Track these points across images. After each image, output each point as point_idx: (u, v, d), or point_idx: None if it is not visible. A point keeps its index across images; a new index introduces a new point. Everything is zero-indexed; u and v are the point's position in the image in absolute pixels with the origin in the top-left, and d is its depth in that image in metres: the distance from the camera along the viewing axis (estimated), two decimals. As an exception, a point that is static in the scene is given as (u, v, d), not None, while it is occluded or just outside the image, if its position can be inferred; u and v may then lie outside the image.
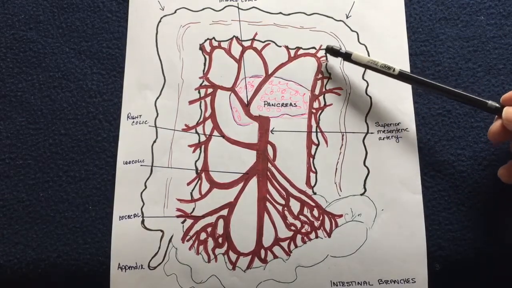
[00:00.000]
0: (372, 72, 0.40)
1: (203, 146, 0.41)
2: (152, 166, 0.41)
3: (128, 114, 0.42)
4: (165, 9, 0.45)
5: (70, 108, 0.43)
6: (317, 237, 0.39)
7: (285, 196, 0.40)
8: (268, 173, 0.41)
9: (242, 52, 0.43)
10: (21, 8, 0.45)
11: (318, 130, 0.41)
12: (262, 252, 0.39)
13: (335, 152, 0.41)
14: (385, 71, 0.38)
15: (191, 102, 0.42)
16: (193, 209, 0.40)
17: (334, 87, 0.42)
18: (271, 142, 0.41)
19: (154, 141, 0.42)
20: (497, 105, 0.36)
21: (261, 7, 0.44)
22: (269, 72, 0.43)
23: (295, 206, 0.40)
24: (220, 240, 0.40)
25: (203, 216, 0.40)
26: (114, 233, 0.40)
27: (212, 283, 0.39)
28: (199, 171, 0.41)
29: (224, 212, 0.40)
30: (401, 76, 0.38)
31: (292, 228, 0.40)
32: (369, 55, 0.42)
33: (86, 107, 0.43)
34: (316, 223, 0.39)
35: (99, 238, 0.40)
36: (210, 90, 0.43)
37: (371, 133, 0.41)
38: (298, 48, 0.43)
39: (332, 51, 0.41)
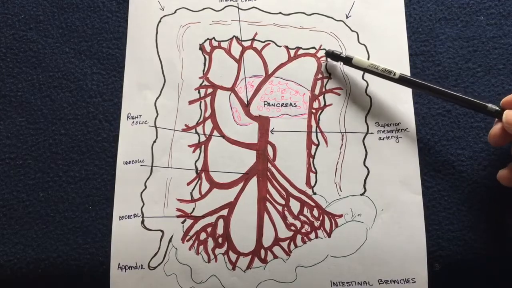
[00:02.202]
0: (372, 72, 0.40)
1: (203, 146, 0.41)
2: (152, 166, 0.41)
3: (128, 114, 0.42)
4: (165, 9, 0.45)
5: (70, 108, 0.43)
6: (317, 237, 0.39)
7: (285, 196, 0.40)
8: (268, 173, 0.41)
9: (242, 52, 0.43)
10: (21, 8, 0.45)
11: (318, 130, 0.41)
12: (262, 252, 0.39)
13: (335, 152, 0.41)
14: (386, 75, 0.39)
15: (191, 102, 0.42)
16: (193, 209, 0.40)
17: (334, 87, 0.42)
18: (271, 142, 0.41)
19: (154, 141, 0.42)
20: (497, 108, 0.36)
21: (261, 7, 0.44)
22: (269, 72, 0.43)
23: (295, 206, 0.40)
24: (220, 240, 0.40)
25: (203, 216, 0.40)
26: (114, 233, 0.40)
27: (212, 283, 0.39)
28: (199, 171, 0.41)
29: (224, 212, 0.40)
30: (401, 80, 0.38)
31: (292, 228, 0.40)
32: (369, 55, 0.42)
33: (86, 107, 0.43)
34: (316, 223, 0.39)
35: (99, 238, 0.40)
36: (210, 90, 0.43)
37: (371, 133, 0.41)
38: (298, 48, 0.43)
39: (333, 55, 0.41)
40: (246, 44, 0.43)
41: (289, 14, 0.44)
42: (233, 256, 0.39)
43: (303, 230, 0.39)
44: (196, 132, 0.42)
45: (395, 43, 0.43)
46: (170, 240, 0.40)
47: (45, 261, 0.39)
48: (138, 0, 0.45)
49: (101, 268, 0.39)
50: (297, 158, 0.41)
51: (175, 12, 0.44)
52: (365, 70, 0.40)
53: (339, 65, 0.42)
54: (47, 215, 0.40)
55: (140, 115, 0.42)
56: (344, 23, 0.43)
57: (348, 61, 0.40)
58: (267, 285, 0.39)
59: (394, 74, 0.38)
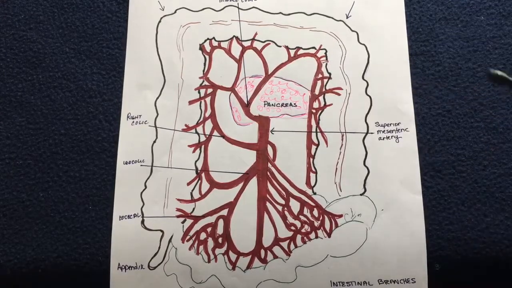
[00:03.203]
0: (372, 72, 0.40)
1: (203, 146, 0.41)
2: (152, 166, 0.41)
3: (128, 114, 0.42)
4: (165, 9, 0.45)
5: (70, 108, 0.43)
6: (317, 237, 0.39)
7: (285, 196, 0.40)
8: (268, 173, 0.41)
9: (242, 52, 0.43)
10: (21, 8, 0.45)
11: (318, 130, 0.41)
12: (262, 252, 0.39)
13: (335, 152, 0.41)
14: None
15: (191, 102, 0.42)
16: (193, 209, 0.40)
17: (334, 87, 0.42)
18: (271, 142, 0.41)
19: (154, 141, 0.42)
20: None
21: (261, 7, 0.44)
22: (269, 72, 0.43)
23: (295, 206, 0.40)
24: (220, 240, 0.40)
25: (203, 216, 0.40)
26: (114, 233, 0.40)
27: (212, 283, 0.39)
28: (199, 171, 0.41)
29: (224, 212, 0.40)
30: None
31: (292, 228, 0.40)
32: (369, 55, 0.42)
33: (86, 107, 0.43)
34: (316, 223, 0.39)
35: (99, 238, 0.40)
36: (210, 90, 0.43)
37: (371, 133, 0.41)
38: (298, 48, 0.43)
39: (500, 79, 0.33)
40: (246, 44, 0.43)
41: (289, 14, 0.44)
42: (233, 256, 0.39)
43: (303, 230, 0.39)
44: (196, 132, 0.42)
45: (395, 43, 0.43)
46: (170, 240, 0.40)
47: (45, 261, 0.39)
48: (138, 0, 0.45)
49: (101, 268, 0.39)
50: (297, 158, 0.41)
51: (175, 12, 0.44)
52: None
53: (339, 64, 0.42)
54: (47, 215, 0.40)
55: (140, 115, 0.42)
56: (344, 23, 0.43)
57: None
58: (267, 285, 0.39)
59: None
